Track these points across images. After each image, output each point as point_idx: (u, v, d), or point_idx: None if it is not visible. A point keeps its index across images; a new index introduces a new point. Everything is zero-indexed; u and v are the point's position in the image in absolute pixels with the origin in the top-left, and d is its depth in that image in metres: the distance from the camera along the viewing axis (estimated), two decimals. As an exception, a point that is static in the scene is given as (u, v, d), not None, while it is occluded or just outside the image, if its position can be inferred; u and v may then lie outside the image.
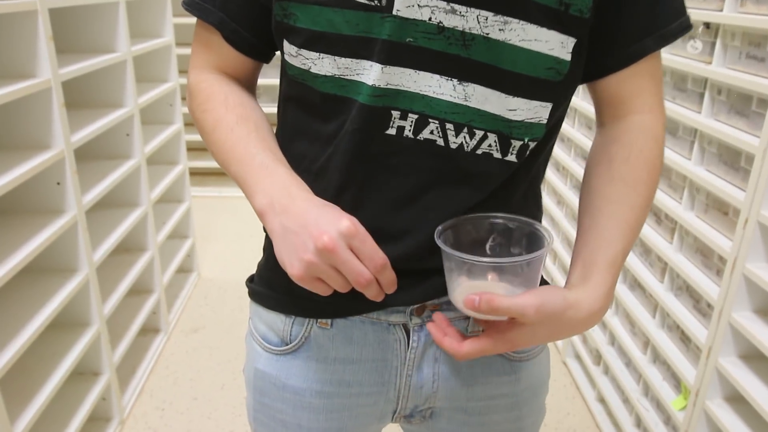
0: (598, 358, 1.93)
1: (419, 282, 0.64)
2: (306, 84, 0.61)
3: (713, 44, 1.31)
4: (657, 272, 1.56)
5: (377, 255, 0.56)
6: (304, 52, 0.59)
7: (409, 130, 0.59)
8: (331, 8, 0.56)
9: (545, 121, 0.61)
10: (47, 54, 1.36)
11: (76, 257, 1.56)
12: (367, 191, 0.61)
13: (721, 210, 1.31)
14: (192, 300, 2.54)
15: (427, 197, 0.61)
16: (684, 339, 1.44)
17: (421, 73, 0.57)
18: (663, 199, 1.50)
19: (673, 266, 1.44)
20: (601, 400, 1.88)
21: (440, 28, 0.55)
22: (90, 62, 1.59)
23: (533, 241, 0.61)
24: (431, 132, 0.59)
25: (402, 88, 0.57)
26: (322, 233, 0.53)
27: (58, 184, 1.49)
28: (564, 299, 0.56)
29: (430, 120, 0.58)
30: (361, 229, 0.55)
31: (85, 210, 1.56)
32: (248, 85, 0.71)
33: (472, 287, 0.57)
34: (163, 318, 2.23)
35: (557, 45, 0.57)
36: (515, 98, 0.59)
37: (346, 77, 0.58)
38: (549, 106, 0.60)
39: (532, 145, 0.62)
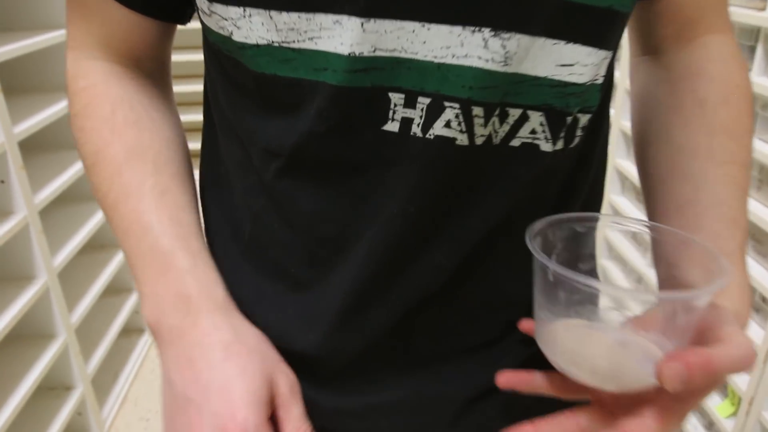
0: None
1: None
2: (232, 57, 0.40)
3: (767, -15, 1.09)
4: (695, 257, 1.37)
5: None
6: (218, 7, 0.37)
7: (419, 125, 0.37)
8: None
9: (601, 81, 0.40)
10: (-29, 31, 1.15)
11: (32, 263, 1.39)
12: (344, 236, 0.41)
13: (778, 187, 1.11)
14: (180, 293, 2.37)
15: (425, 230, 0.41)
16: (730, 335, 1.26)
17: (433, 26, 0.35)
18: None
19: (716, 251, 1.25)
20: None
21: None
22: (31, 41, 1.38)
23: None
24: (448, 124, 0.37)
25: (403, 55, 0.36)
26: (231, 417, 0.37)
27: (2, 182, 1.31)
28: (737, 317, 0.40)
29: (447, 104, 0.37)
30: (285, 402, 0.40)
31: (38, 210, 1.38)
32: (154, 66, 0.48)
33: (609, 347, 0.38)
34: (147, 317, 2.06)
35: None
36: (573, 45, 0.37)
37: (291, 46, 0.36)
38: (609, 55, 0.39)
39: (583, 120, 0.40)
